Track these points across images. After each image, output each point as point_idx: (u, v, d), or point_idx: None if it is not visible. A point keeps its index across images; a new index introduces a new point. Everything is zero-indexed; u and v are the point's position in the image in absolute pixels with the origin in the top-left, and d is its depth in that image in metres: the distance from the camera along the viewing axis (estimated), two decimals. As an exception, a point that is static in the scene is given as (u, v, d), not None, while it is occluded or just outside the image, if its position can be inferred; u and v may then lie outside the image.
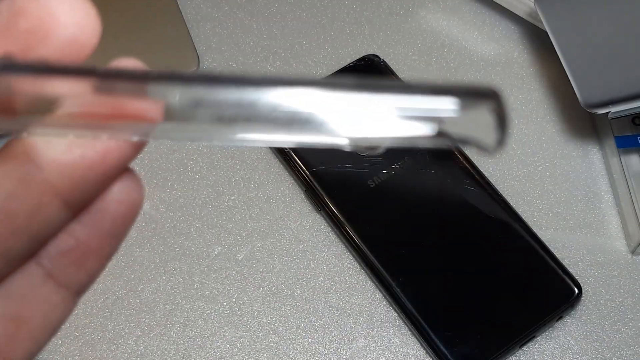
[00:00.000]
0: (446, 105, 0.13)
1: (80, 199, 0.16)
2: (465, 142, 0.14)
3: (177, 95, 0.13)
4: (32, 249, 0.16)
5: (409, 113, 0.13)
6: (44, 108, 0.13)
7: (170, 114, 0.14)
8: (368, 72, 0.45)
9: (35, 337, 0.16)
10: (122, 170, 0.16)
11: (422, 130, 0.14)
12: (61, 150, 0.15)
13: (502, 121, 0.14)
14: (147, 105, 0.13)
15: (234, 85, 0.13)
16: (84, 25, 0.14)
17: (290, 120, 0.14)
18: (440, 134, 0.14)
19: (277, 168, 0.42)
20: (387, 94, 0.14)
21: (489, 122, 0.14)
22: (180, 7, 0.47)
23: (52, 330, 0.17)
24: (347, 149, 0.14)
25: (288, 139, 0.14)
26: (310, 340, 0.37)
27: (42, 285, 0.16)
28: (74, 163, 0.15)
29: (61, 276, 0.16)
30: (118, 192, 0.16)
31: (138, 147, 0.16)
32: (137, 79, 0.13)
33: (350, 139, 0.14)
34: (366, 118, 0.14)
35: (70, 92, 0.13)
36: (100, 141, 0.15)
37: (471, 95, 0.14)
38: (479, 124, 0.14)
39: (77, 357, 0.37)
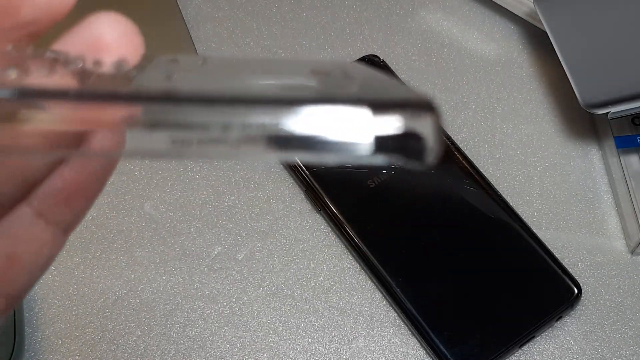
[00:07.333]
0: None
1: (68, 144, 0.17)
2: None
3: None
4: (24, 192, 0.17)
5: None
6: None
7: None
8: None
9: (28, 272, 0.18)
10: None
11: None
12: None
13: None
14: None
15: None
16: None
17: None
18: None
19: (277, 168, 0.42)
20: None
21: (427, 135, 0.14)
22: (180, 7, 0.47)
23: (44, 265, 0.18)
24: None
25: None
26: (310, 340, 0.38)
27: (32, 224, 0.17)
28: None
29: (50, 215, 0.18)
30: (101, 137, 0.17)
31: None
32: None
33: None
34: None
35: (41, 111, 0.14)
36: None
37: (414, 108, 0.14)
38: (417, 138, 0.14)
39: (77, 357, 0.37)
